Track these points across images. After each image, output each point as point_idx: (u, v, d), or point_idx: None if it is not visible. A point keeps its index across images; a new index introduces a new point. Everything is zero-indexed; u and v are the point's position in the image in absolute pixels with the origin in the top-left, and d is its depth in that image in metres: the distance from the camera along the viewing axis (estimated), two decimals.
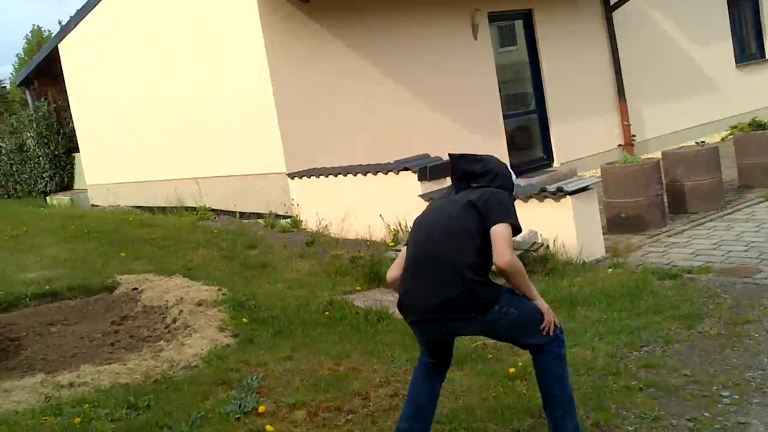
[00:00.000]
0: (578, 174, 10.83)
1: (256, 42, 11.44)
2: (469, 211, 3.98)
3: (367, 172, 10.25)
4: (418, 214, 4.37)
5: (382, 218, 9.85)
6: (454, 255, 3.89)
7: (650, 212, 9.34)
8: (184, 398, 5.11)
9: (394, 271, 4.24)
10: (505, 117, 14.04)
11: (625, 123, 15.61)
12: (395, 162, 10.03)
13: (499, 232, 3.85)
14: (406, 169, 9.66)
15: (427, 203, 9.02)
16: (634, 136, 15.65)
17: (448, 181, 9.32)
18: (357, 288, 7.99)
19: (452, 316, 3.90)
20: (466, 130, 13.05)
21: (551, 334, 3.96)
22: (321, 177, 10.99)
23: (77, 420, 4.82)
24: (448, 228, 4.01)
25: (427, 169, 9.48)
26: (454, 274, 3.85)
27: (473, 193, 4.06)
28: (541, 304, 3.98)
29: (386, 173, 9.97)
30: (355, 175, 10.43)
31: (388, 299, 7.46)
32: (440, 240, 3.99)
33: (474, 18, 13.52)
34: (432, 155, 10.33)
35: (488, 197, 3.99)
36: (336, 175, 10.73)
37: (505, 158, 13.30)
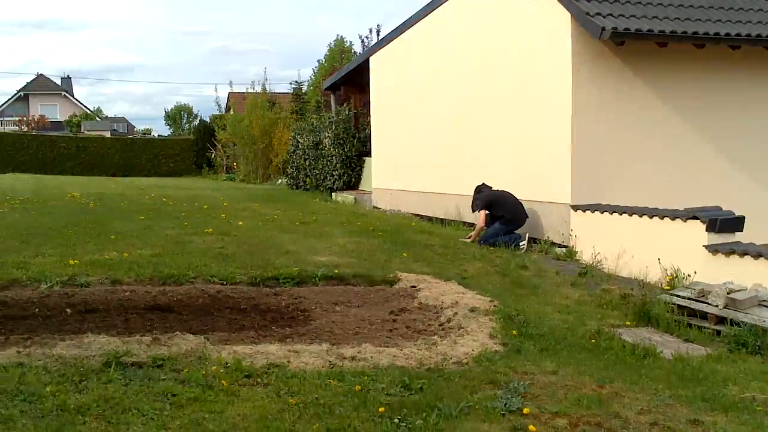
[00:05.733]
0: None
1: (563, 74, 11.77)
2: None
3: (654, 216, 10.21)
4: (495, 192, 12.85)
5: (660, 262, 9.77)
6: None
7: None
8: (453, 388, 5.49)
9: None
10: None
11: None
12: (684, 209, 9.90)
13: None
14: (695, 218, 9.53)
15: (711, 254, 8.95)
16: None
17: (736, 236, 9.21)
18: (626, 323, 8.03)
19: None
20: (762, 188, 12.59)
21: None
22: (605, 213, 11.08)
23: (357, 387, 5.34)
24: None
25: (717, 221, 9.30)
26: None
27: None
28: None
29: (673, 219, 9.88)
30: (640, 216, 10.43)
31: (656, 339, 7.49)
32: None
33: None
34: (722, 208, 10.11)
35: None
36: (621, 214, 10.78)
37: None
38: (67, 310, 7.50)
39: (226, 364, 5.73)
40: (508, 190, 12.81)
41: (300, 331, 7.13)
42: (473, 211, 13.14)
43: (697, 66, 12.41)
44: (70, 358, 5.63)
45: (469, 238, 12.73)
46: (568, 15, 11.59)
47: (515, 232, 12.52)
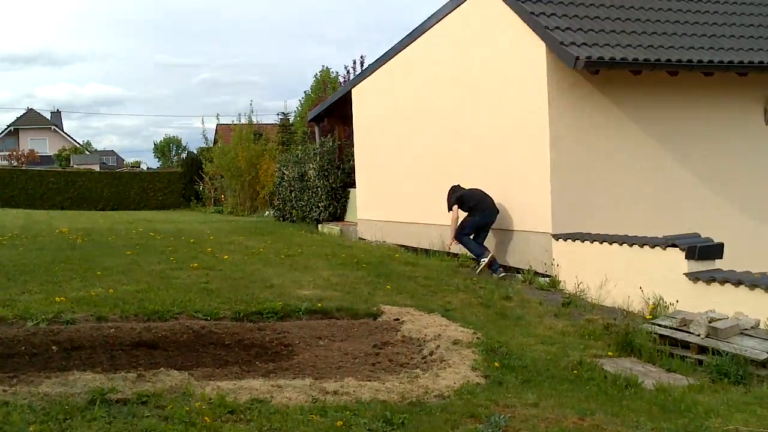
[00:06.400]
0: None
1: (540, 104, 11.94)
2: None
3: (633, 244, 10.34)
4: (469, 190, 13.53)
5: (642, 291, 9.87)
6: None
7: None
8: (435, 422, 5.54)
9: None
10: None
11: None
12: (663, 237, 10.03)
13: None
14: (674, 245, 9.66)
15: (692, 282, 9.04)
16: None
17: (716, 263, 9.33)
18: (608, 353, 8.11)
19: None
20: (741, 213, 12.79)
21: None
22: (585, 242, 11.19)
23: (339, 423, 5.38)
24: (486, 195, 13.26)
25: (696, 249, 9.42)
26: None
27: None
28: None
29: (653, 247, 10.01)
30: (620, 244, 10.55)
31: (638, 369, 7.57)
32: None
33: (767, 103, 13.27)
34: (702, 235, 10.21)
35: None
36: (601, 242, 10.90)
37: None
38: (53, 347, 7.51)
39: (210, 400, 5.77)
40: (480, 188, 13.49)
41: (283, 366, 7.19)
42: (448, 210, 13.67)
43: (672, 92, 12.65)
44: (56, 396, 5.64)
45: (450, 244, 13.76)
46: (543, 45, 11.78)
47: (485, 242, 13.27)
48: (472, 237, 13.23)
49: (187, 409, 5.51)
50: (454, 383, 6.56)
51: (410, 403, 6.03)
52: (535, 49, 12.03)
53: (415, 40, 16.40)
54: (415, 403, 6.02)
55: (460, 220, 13.41)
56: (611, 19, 12.70)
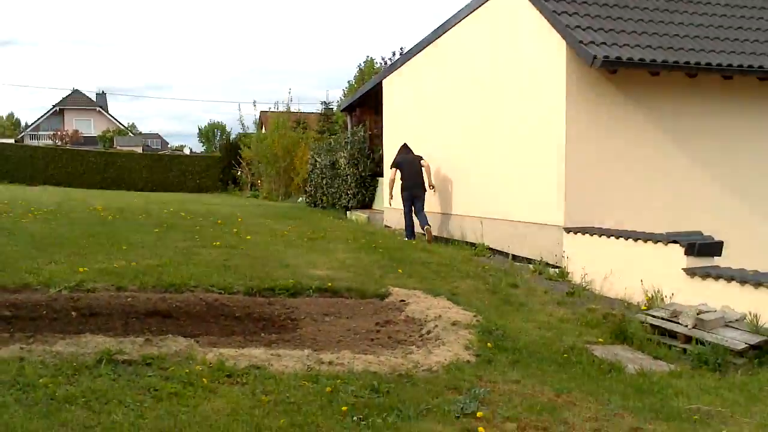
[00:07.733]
0: None
1: (558, 100, 12.17)
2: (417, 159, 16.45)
3: (638, 239, 10.58)
4: (402, 156, 16.84)
5: (642, 283, 10.13)
6: (420, 172, 16.22)
7: None
8: (418, 393, 5.91)
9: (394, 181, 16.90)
10: None
11: None
12: (666, 233, 10.27)
13: (425, 162, 16.43)
14: (674, 241, 9.90)
15: (689, 276, 9.29)
16: None
17: (715, 260, 9.55)
18: (599, 340, 8.39)
19: (419, 191, 16.08)
20: (755, 215, 12.93)
21: None
22: (594, 236, 11.45)
23: (328, 389, 5.78)
24: (415, 163, 16.38)
25: (696, 245, 9.66)
26: (420, 178, 16.20)
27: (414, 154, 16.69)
28: None
29: (655, 242, 10.25)
30: (626, 239, 10.79)
31: (626, 355, 7.86)
32: (417, 169, 16.31)
33: None
34: (714, 235, 10.36)
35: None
36: (608, 237, 11.14)
37: None
38: (72, 313, 8.00)
39: (210, 364, 6.19)
40: (417, 158, 16.47)
41: (286, 338, 7.61)
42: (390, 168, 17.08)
43: (691, 94, 12.75)
44: (67, 355, 6.13)
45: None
46: (564, 43, 12.02)
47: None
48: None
49: (188, 371, 5.94)
50: (445, 360, 6.91)
51: (399, 375, 6.39)
52: (556, 46, 12.26)
53: (443, 34, 16.69)
54: (403, 375, 6.38)
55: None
56: (633, 20, 12.84)
